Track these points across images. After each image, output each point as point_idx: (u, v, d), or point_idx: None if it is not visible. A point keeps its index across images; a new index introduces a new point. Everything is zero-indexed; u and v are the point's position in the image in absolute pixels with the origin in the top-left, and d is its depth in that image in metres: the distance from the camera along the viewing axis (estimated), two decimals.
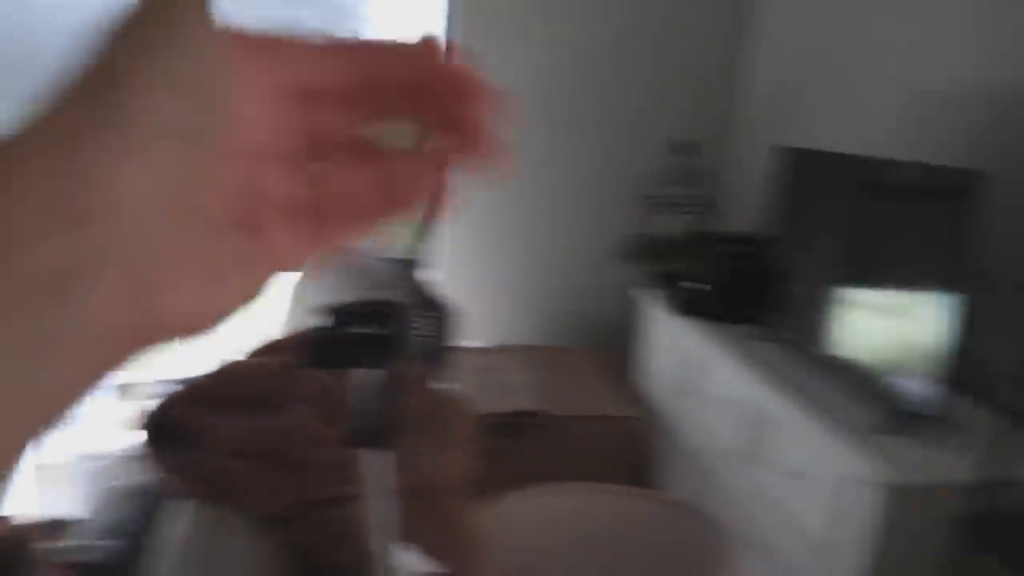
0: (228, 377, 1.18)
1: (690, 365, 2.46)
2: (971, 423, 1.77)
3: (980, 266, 1.57)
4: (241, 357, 1.26)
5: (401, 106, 0.30)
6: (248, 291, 0.27)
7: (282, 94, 0.27)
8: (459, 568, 1.16)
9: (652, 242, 2.97)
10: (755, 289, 2.39)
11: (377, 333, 0.88)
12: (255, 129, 0.27)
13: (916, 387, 1.66)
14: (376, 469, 0.95)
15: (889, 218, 1.80)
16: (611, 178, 3.32)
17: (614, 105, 3.28)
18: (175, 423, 1.15)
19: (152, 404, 1.20)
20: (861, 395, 1.90)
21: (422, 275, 2.34)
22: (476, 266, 3.32)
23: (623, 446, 2.62)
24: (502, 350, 3.15)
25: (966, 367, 2.04)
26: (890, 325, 1.77)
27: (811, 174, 2.16)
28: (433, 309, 2.21)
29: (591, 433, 2.60)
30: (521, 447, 2.57)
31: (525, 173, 3.26)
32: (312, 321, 0.99)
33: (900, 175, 1.79)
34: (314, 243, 0.29)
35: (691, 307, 2.53)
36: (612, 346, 3.44)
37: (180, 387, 1.20)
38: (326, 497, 1.07)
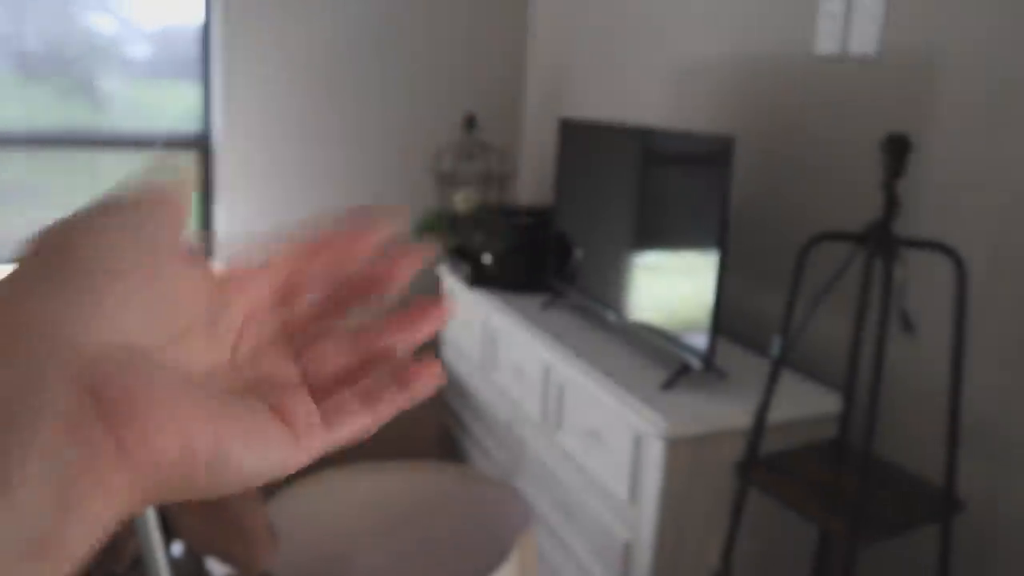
0: None
1: (490, 337, 2.50)
2: (747, 371, 1.92)
3: (730, 223, 1.69)
4: None
5: (361, 286, 0.34)
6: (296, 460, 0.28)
7: (266, 301, 0.31)
8: (243, 563, 1.13)
9: (448, 217, 2.99)
10: (546, 259, 2.47)
11: None
12: (249, 335, 0.30)
13: (696, 343, 1.77)
14: None
15: (659, 184, 1.90)
16: (405, 155, 3.31)
17: (407, 82, 3.26)
18: None
19: None
20: (648, 355, 2.01)
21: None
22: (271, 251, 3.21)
23: (428, 422, 2.64)
24: None
25: (737, 320, 2.21)
26: (669, 286, 1.88)
27: (587, 144, 2.24)
28: None
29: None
30: None
31: (322, 153, 3.19)
32: None
33: (666, 143, 1.89)
34: (341, 417, 0.30)
35: (487, 280, 2.58)
36: None
37: None
38: None
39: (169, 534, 1.09)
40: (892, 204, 1.41)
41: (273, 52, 3.06)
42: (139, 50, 3.06)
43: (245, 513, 1.11)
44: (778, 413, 1.70)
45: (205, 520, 1.08)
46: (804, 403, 1.77)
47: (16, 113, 2.96)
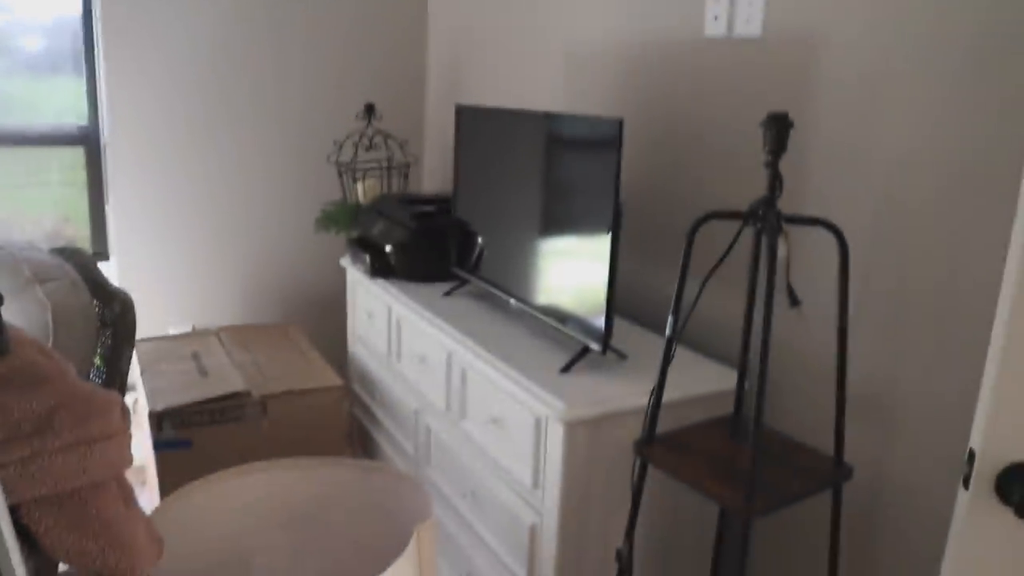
0: None
1: (394, 327, 2.47)
2: (647, 352, 1.94)
3: (621, 206, 1.70)
4: None
5: None
6: None
7: None
8: (122, 566, 1.08)
9: (343, 208, 2.94)
10: (447, 247, 2.44)
11: None
12: None
13: (594, 326, 1.77)
14: None
15: (552, 169, 1.90)
16: (305, 146, 3.24)
17: (304, 71, 3.19)
18: None
19: None
20: (549, 339, 2.01)
21: (91, 264, 2.15)
22: (170, 249, 3.12)
23: (335, 416, 2.60)
24: (206, 334, 3.00)
25: (637, 301, 2.23)
26: (566, 270, 1.88)
27: (483, 131, 2.22)
28: (104, 299, 2.04)
29: (302, 408, 2.55)
30: (231, 431, 2.47)
31: (218, 146, 3.10)
32: None
33: (558, 127, 1.88)
34: None
35: (389, 270, 2.54)
36: (324, 317, 3.39)
37: None
38: None
39: (31, 549, 1.04)
40: (775, 181, 1.44)
41: (160, 42, 2.95)
42: (21, 43, 2.91)
43: (120, 521, 1.06)
44: (676, 392, 1.72)
45: (75, 532, 1.03)
46: (701, 381, 1.79)
47: None
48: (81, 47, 2.98)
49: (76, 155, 3.06)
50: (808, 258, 1.70)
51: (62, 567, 1.61)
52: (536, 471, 1.74)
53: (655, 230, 2.15)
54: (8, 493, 0.98)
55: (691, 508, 1.85)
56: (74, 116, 3.03)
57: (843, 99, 1.61)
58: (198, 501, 1.51)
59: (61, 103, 3.03)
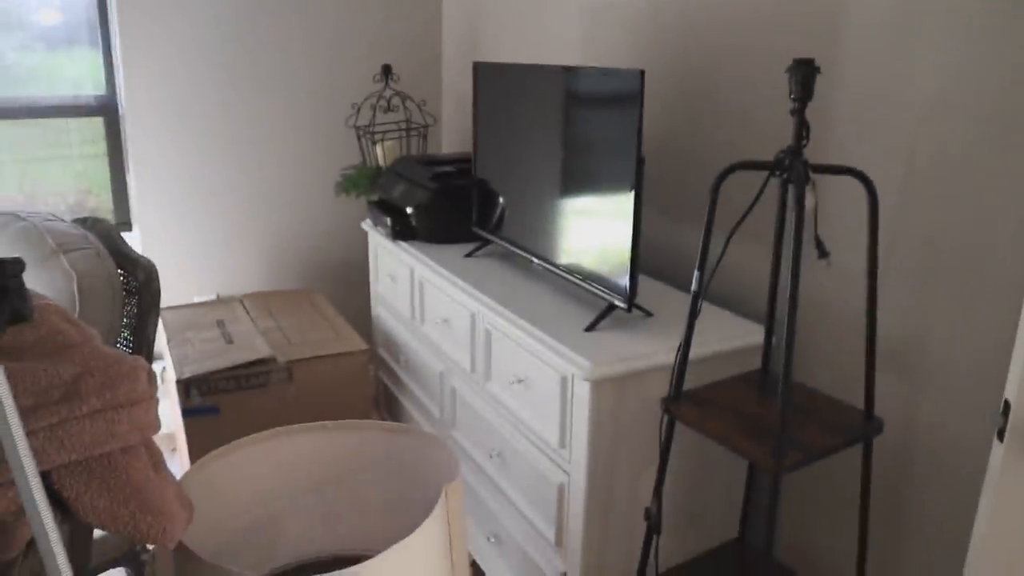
0: None
1: (417, 290, 2.46)
2: (673, 309, 1.92)
3: (643, 160, 1.67)
4: None
5: None
6: None
7: None
8: (153, 537, 1.09)
9: (364, 171, 2.92)
10: (468, 207, 2.42)
11: None
12: None
13: (618, 283, 1.75)
14: (20, 451, 0.86)
15: (572, 124, 1.86)
16: (323, 110, 3.22)
17: (321, 35, 3.15)
18: None
19: None
20: (573, 298, 1.99)
21: (115, 233, 2.16)
22: (191, 218, 3.12)
23: (360, 380, 2.61)
24: (231, 301, 3.01)
25: (662, 258, 2.20)
26: (590, 227, 1.85)
27: (502, 88, 2.19)
28: (128, 268, 2.05)
29: (328, 372, 2.56)
30: (258, 397, 2.49)
31: (236, 113, 3.09)
32: None
33: (576, 81, 1.85)
34: None
35: (411, 232, 2.53)
36: (347, 281, 3.40)
37: None
38: None
39: (64, 514, 1.04)
40: (802, 130, 1.40)
41: (175, 10, 2.93)
42: (36, 17, 2.90)
43: (150, 486, 1.07)
44: (702, 348, 1.70)
45: (105, 496, 1.03)
46: (728, 336, 1.77)
47: None
48: (96, 18, 2.96)
49: (95, 126, 3.06)
50: (836, 208, 1.67)
51: (98, 532, 1.64)
52: (563, 430, 1.73)
53: (679, 184, 2.12)
54: (39, 459, 0.98)
55: (719, 465, 1.84)
56: (91, 87, 3.03)
57: (871, 44, 1.56)
58: (226, 466, 1.52)
59: (78, 75, 3.02)
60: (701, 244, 1.47)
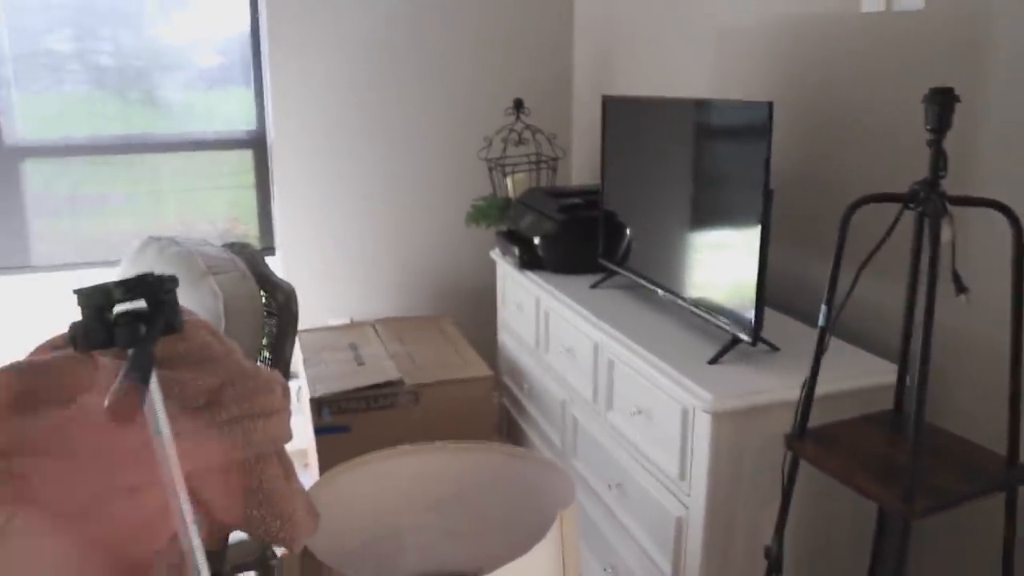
0: (16, 375, 1.13)
1: (542, 319, 2.50)
2: (799, 344, 1.87)
3: (771, 192, 1.64)
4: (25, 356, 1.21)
5: None
6: None
7: None
8: (282, 541, 1.15)
9: (494, 202, 2.99)
10: (595, 239, 2.45)
11: (134, 310, 0.86)
12: None
13: (744, 316, 1.73)
14: (168, 452, 0.94)
15: (700, 156, 1.86)
16: (456, 143, 3.32)
17: (453, 70, 3.27)
18: None
19: None
20: (697, 331, 1.97)
21: (259, 258, 2.30)
22: (330, 245, 3.28)
23: (484, 406, 2.66)
24: (363, 325, 3.13)
25: (789, 291, 2.16)
26: (716, 259, 1.84)
27: (630, 121, 2.21)
28: (270, 290, 2.17)
29: (453, 397, 2.62)
30: (386, 417, 2.57)
31: (374, 146, 3.23)
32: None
33: (704, 113, 1.85)
34: None
35: (538, 262, 2.57)
36: (474, 309, 3.47)
37: None
38: (126, 486, 1.04)
39: (202, 514, 1.12)
40: (938, 160, 1.35)
41: (320, 51, 3.10)
42: (198, 59, 3.14)
43: (280, 492, 1.13)
44: (830, 385, 1.65)
45: (240, 498, 1.10)
46: (857, 374, 1.71)
47: (89, 124, 3.08)
48: (250, 59, 3.18)
49: (245, 158, 3.27)
50: (977, 243, 1.59)
51: (233, 538, 1.73)
52: (683, 462, 1.71)
53: (808, 217, 2.07)
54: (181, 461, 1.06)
55: (847, 507, 1.77)
56: (243, 123, 3.24)
57: (1016, 70, 1.50)
58: (353, 480, 1.59)
59: (232, 111, 3.24)
60: (830, 277, 1.43)
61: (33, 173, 3.05)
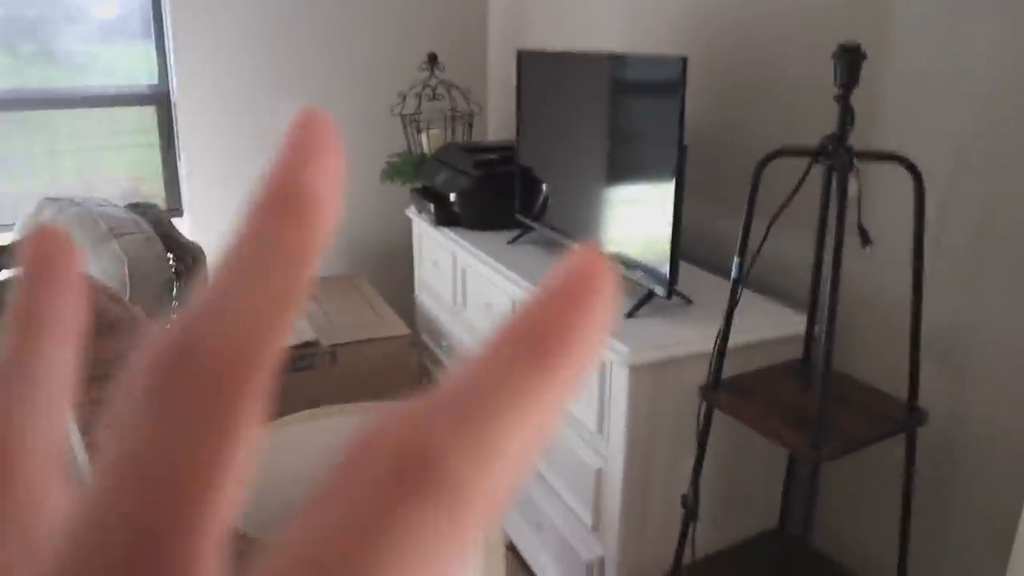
0: None
1: (459, 276, 2.48)
2: (713, 296, 1.91)
3: (686, 147, 1.66)
4: None
5: None
6: None
7: None
8: None
9: (409, 159, 2.95)
10: (511, 194, 2.43)
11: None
12: None
13: (659, 270, 1.75)
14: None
15: (614, 111, 1.86)
16: (369, 98, 3.25)
17: (365, 23, 3.18)
18: None
19: None
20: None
21: (165, 219, 2.21)
22: (240, 205, 3.18)
23: (403, 364, 2.64)
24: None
25: (703, 245, 2.19)
26: (631, 214, 1.85)
27: (545, 75, 2.19)
28: (177, 252, 2.10)
29: (369, 356, 2.59)
30: (303, 378, 2.53)
31: (281, 99, 3.13)
32: None
33: (618, 68, 1.84)
34: None
35: (454, 219, 2.55)
36: (390, 267, 3.43)
37: None
38: None
39: None
40: (847, 116, 1.38)
41: (224, 1, 2.98)
42: (95, 10, 2.97)
43: None
44: (742, 336, 1.69)
45: None
46: (768, 324, 1.76)
47: None
48: (150, 10, 3.02)
49: (148, 115, 3.13)
50: (882, 197, 1.64)
51: None
52: (601, 416, 1.74)
53: (721, 171, 2.10)
54: (84, 429, 1.02)
55: (758, 454, 1.83)
56: (145, 77, 3.10)
57: (922, 28, 1.53)
58: (269, 444, 1.56)
59: (132, 66, 3.09)
60: (742, 230, 1.46)
61: None
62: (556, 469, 1.95)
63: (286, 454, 1.61)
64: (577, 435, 1.84)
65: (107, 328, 1.12)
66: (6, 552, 0.17)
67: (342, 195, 0.19)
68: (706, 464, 1.74)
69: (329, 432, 1.62)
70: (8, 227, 2.86)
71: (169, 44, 3.01)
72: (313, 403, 2.46)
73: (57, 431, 0.18)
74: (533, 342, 0.15)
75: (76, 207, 2.22)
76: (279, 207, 0.17)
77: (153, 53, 3.07)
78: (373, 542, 0.13)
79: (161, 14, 3.02)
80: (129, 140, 3.15)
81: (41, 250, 0.19)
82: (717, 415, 1.72)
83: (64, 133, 3.05)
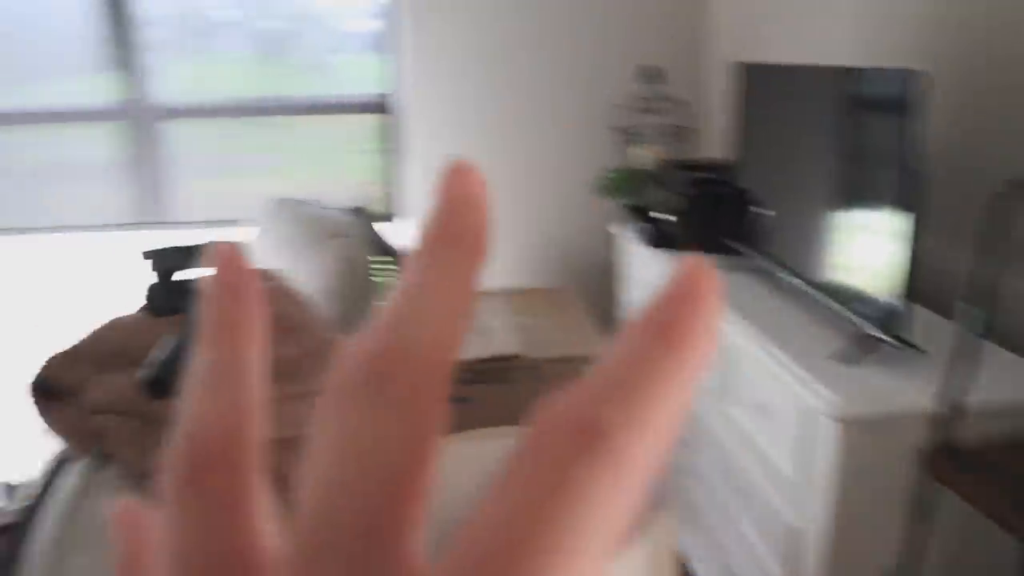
0: (104, 334, 1.13)
1: None
2: (938, 342, 1.67)
3: (925, 174, 1.45)
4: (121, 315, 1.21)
5: None
6: None
7: None
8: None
9: (626, 175, 2.86)
10: (726, 216, 2.29)
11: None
12: None
13: (885, 312, 1.56)
14: None
15: (842, 131, 1.68)
16: (582, 112, 3.21)
17: (582, 36, 3.15)
18: (54, 382, 1.11)
19: (38, 366, 1.16)
20: (832, 325, 1.80)
21: (377, 222, 2.28)
22: None
23: None
24: (484, 295, 3.08)
25: (938, 285, 1.94)
26: (857, 247, 1.67)
27: (768, 91, 2.03)
28: (387, 254, 2.16)
29: (572, 373, 2.53)
30: (502, 391, 2.52)
31: (503, 113, 3.17)
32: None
33: (847, 83, 1.66)
34: None
35: (665, 239, 2.44)
36: (594, 283, 3.37)
37: (65, 348, 1.16)
38: None
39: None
40: None
41: (458, 18, 3.05)
42: (338, 24, 3.17)
43: None
44: (982, 397, 1.46)
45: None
46: (1017, 387, 1.51)
47: (239, 87, 3.19)
48: (389, 26, 3.17)
49: (377, 122, 3.29)
50: None
51: None
52: (802, 469, 1.57)
53: (970, 205, 1.85)
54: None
55: (988, 536, 1.57)
56: (376, 87, 3.25)
57: None
58: (453, 457, 1.54)
59: (368, 75, 3.26)
60: (973, 269, 1.25)
61: (178, 134, 3.18)
62: (750, 518, 1.80)
63: (470, 469, 1.58)
64: (774, 486, 1.67)
65: (289, 331, 1.13)
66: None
67: (493, 234, 0.21)
68: (920, 541, 1.52)
69: (478, 460, 1.58)
70: (240, 223, 3.09)
71: (404, 56, 3.13)
72: (505, 419, 2.44)
73: (262, 425, 0.22)
74: (665, 333, 0.18)
75: (300, 208, 2.34)
76: (449, 242, 0.20)
77: (384, 64, 3.21)
78: (563, 501, 0.16)
79: (399, 29, 3.15)
80: (358, 146, 3.32)
81: (229, 264, 0.22)
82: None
83: (301, 137, 3.26)
